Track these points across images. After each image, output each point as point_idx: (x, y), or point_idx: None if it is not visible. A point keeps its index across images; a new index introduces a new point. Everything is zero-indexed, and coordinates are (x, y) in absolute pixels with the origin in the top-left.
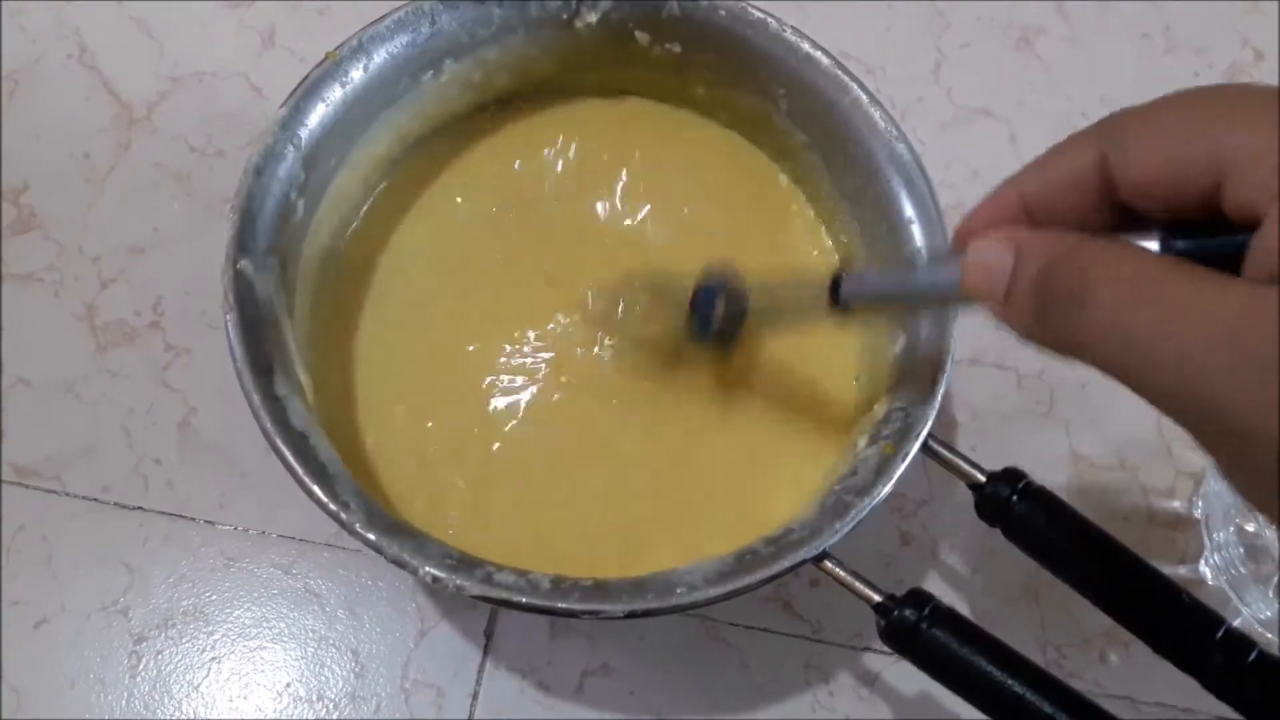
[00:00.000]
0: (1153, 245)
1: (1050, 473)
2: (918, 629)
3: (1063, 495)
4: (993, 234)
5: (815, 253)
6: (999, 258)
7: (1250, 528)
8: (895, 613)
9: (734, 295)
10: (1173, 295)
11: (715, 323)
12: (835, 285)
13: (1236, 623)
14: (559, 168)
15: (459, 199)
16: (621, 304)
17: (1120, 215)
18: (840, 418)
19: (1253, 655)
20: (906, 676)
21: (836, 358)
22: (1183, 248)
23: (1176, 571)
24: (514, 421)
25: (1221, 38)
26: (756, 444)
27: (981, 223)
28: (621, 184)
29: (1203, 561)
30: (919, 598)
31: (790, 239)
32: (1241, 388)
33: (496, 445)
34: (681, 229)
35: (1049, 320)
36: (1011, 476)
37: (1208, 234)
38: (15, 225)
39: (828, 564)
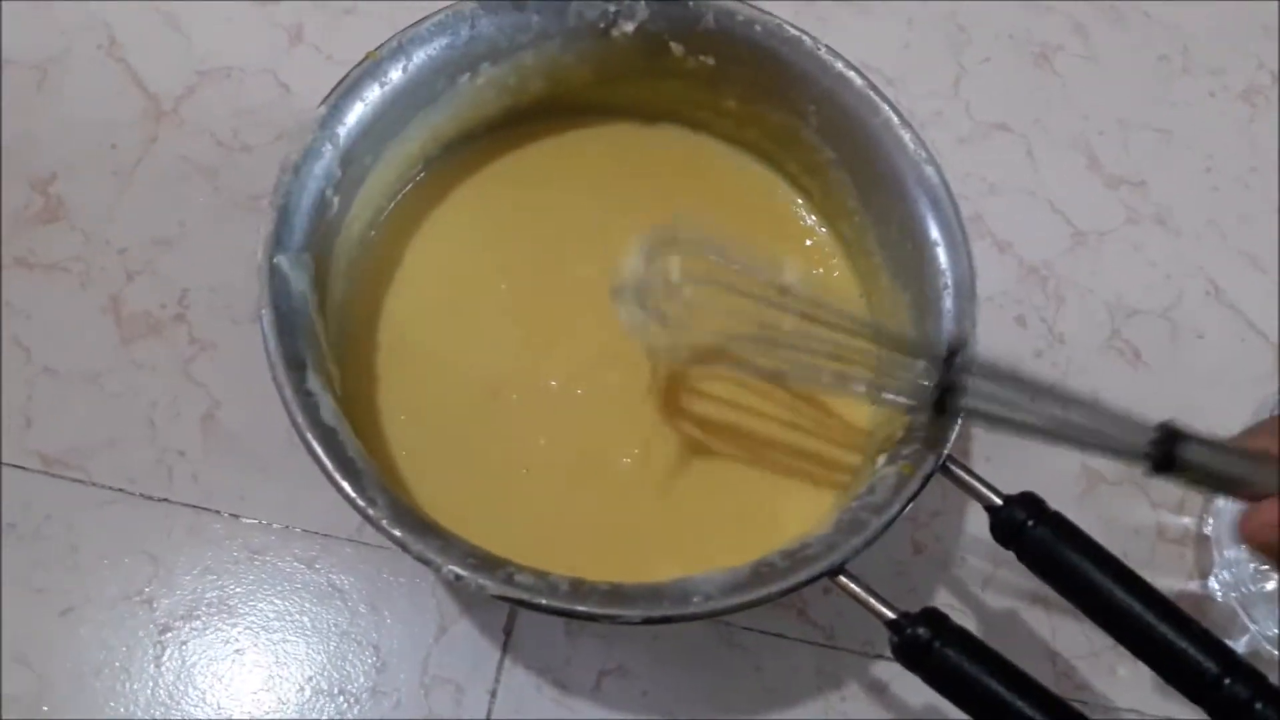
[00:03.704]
0: None
1: (1061, 486)
2: (930, 648)
3: (1073, 509)
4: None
5: (836, 273)
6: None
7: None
8: (908, 631)
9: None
10: None
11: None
12: (1166, 442)
13: (1245, 639)
14: (586, 185)
15: (487, 203)
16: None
17: None
18: (855, 437)
19: (1259, 688)
20: (918, 685)
21: (855, 373)
22: None
23: (1186, 588)
24: (530, 425)
25: (1238, 60)
26: (771, 461)
27: None
28: (645, 206)
29: (1212, 578)
30: (932, 617)
31: (812, 276)
32: None
33: (513, 447)
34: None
35: None
36: (1028, 502)
37: None
38: (42, 215)
39: (843, 579)
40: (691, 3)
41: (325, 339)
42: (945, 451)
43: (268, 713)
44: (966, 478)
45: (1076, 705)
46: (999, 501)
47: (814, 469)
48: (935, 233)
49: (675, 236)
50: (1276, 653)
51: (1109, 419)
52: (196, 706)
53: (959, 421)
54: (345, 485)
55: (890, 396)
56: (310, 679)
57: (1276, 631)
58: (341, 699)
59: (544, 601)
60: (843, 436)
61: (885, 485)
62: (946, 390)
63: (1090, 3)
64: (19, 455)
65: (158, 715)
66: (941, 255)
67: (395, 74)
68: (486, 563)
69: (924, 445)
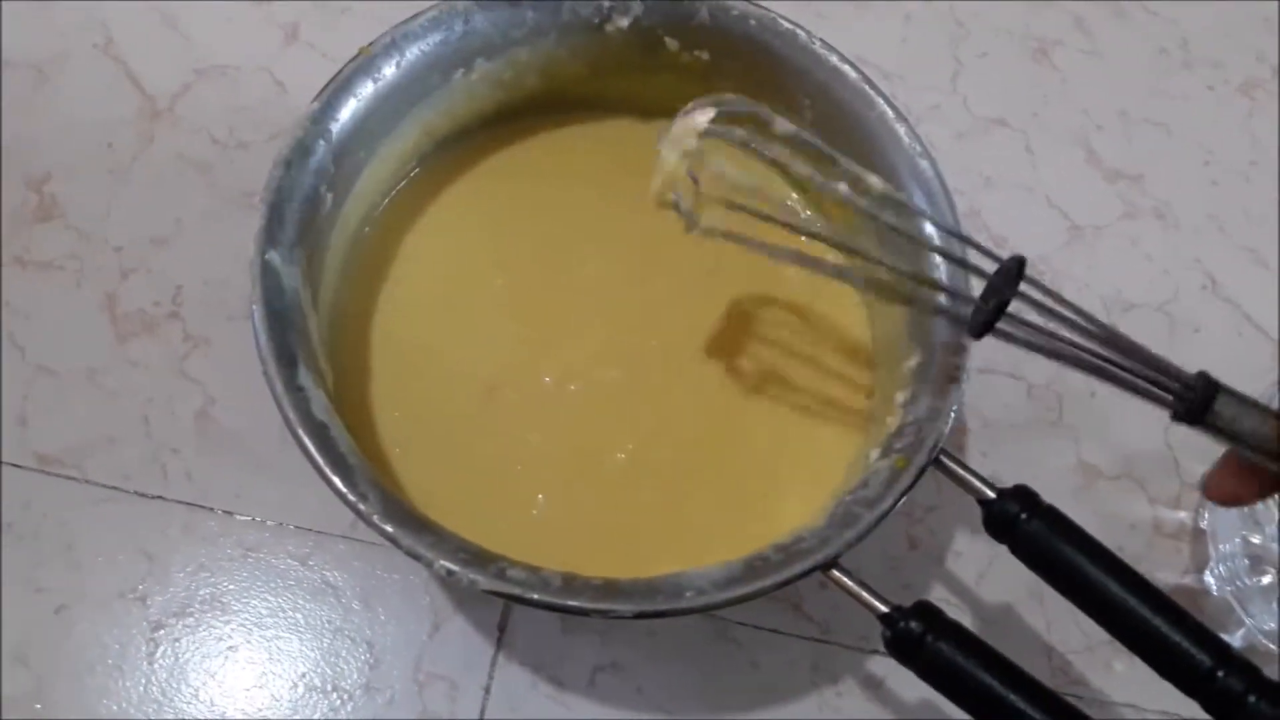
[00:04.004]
0: None
1: (1058, 481)
2: (923, 641)
3: (1069, 503)
4: None
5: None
6: None
7: (1256, 540)
8: (901, 624)
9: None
10: None
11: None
12: (1201, 392)
13: (1240, 633)
14: (582, 180)
15: (482, 199)
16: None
17: None
18: (851, 430)
19: (1253, 681)
20: (914, 680)
21: (849, 369)
22: None
23: (1182, 582)
24: (524, 421)
25: (1238, 53)
26: (766, 453)
27: None
28: (641, 201)
29: (1208, 572)
30: (925, 610)
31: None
32: None
33: (507, 443)
34: (697, 250)
35: None
36: (1021, 495)
37: None
38: (38, 213)
39: (836, 573)
40: None
41: (318, 335)
42: (939, 445)
43: (260, 710)
44: (960, 471)
45: (1072, 699)
46: (992, 495)
47: (810, 462)
48: (930, 226)
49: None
50: (1272, 646)
51: (1147, 360)
52: (189, 703)
53: (952, 415)
54: (336, 481)
55: (928, 301)
56: (303, 675)
57: (1272, 625)
58: (335, 695)
59: (536, 596)
60: (839, 428)
61: (878, 479)
62: (998, 306)
63: None
64: (15, 454)
65: (151, 712)
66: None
67: (389, 70)
68: (478, 558)
69: (917, 439)
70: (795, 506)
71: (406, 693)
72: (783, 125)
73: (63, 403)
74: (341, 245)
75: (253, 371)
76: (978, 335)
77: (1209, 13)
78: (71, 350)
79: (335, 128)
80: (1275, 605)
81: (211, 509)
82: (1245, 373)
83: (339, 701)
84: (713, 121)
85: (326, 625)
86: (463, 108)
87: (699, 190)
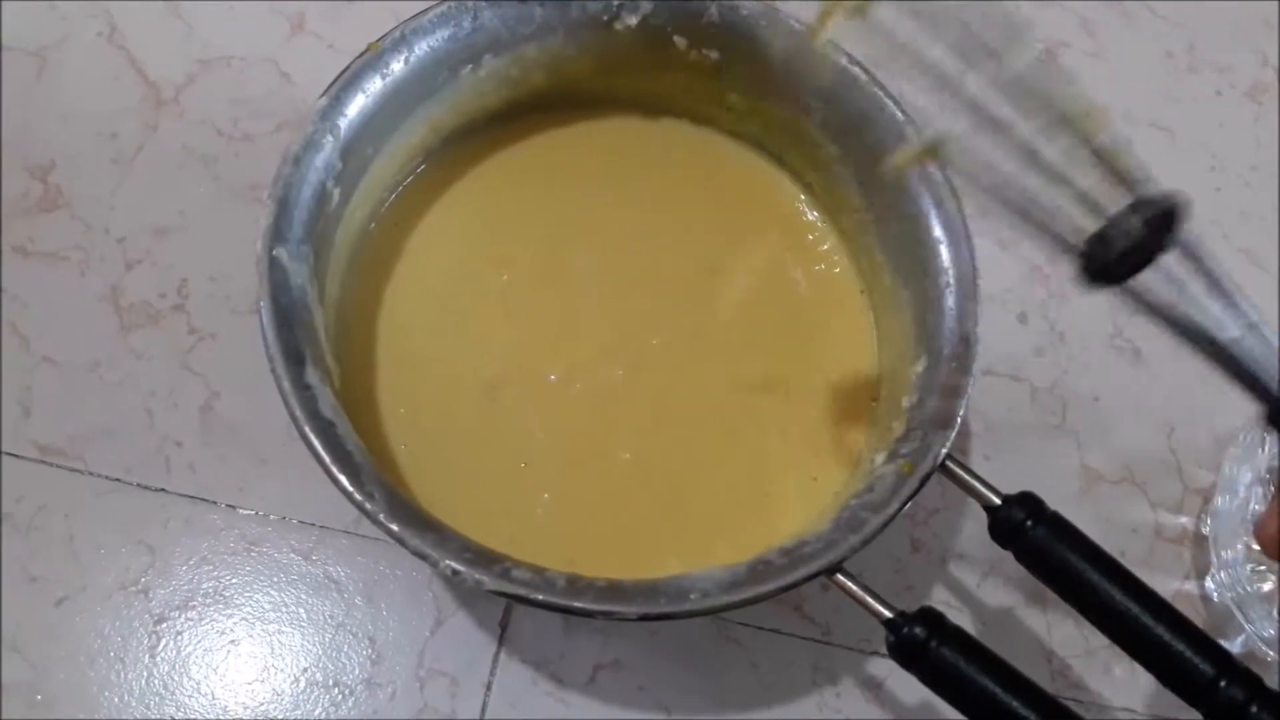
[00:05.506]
0: None
1: (1060, 484)
2: (926, 647)
3: (1071, 507)
4: None
5: (838, 269)
6: None
7: (1258, 546)
8: (905, 630)
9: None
10: None
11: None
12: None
13: (1240, 640)
14: (588, 177)
15: (488, 196)
16: None
17: None
18: (856, 433)
19: (1255, 691)
20: (913, 682)
21: (855, 372)
22: None
23: (1183, 587)
24: (528, 419)
25: (1244, 56)
26: (770, 453)
27: None
28: (646, 200)
29: (1209, 578)
30: (929, 616)
31: (814, 272)
32: None
33: (511, 441)
34: (702, 249)
35: None
36: (1027, 502)
37: None
38: (41, 203)
39: (840, 577)
40: None
41: (324, 332)
42: (944, 450)
43: (262, 704)
44: (965, 477)
45: (1071, 704)
46: (998, 501)
47: (814, 464)
48: (938, 230)
49: None
50: (1272, 654)
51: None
52: (191, 697)
53: (958, 421)
54: (343, 479)
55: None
56: (305, 670)
57: (1272, 632)
58: (336, 691)
59: (540, 597)
60: (844, 430)
61: (884, 484)
62: (1132, 259)
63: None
64: (16, 444)
65: (152, 705)
66: (944, 252)
67: (397, 65)
68: (483, 557)
69: (923, 444)
70: (798, 508)
71: (408, 689)
72: None
73: (65, 393)
74: (347, 241)
75: (258, 365)
76: (1096, 283)
77: (1216, 16)
78: (75, 341)
79: (343, 124)
80: (1276, 612)
81: (215, 502)
82: None
83: (340, 697)
84: None
85: (329, 620)
86: (470, 104)
87: None
